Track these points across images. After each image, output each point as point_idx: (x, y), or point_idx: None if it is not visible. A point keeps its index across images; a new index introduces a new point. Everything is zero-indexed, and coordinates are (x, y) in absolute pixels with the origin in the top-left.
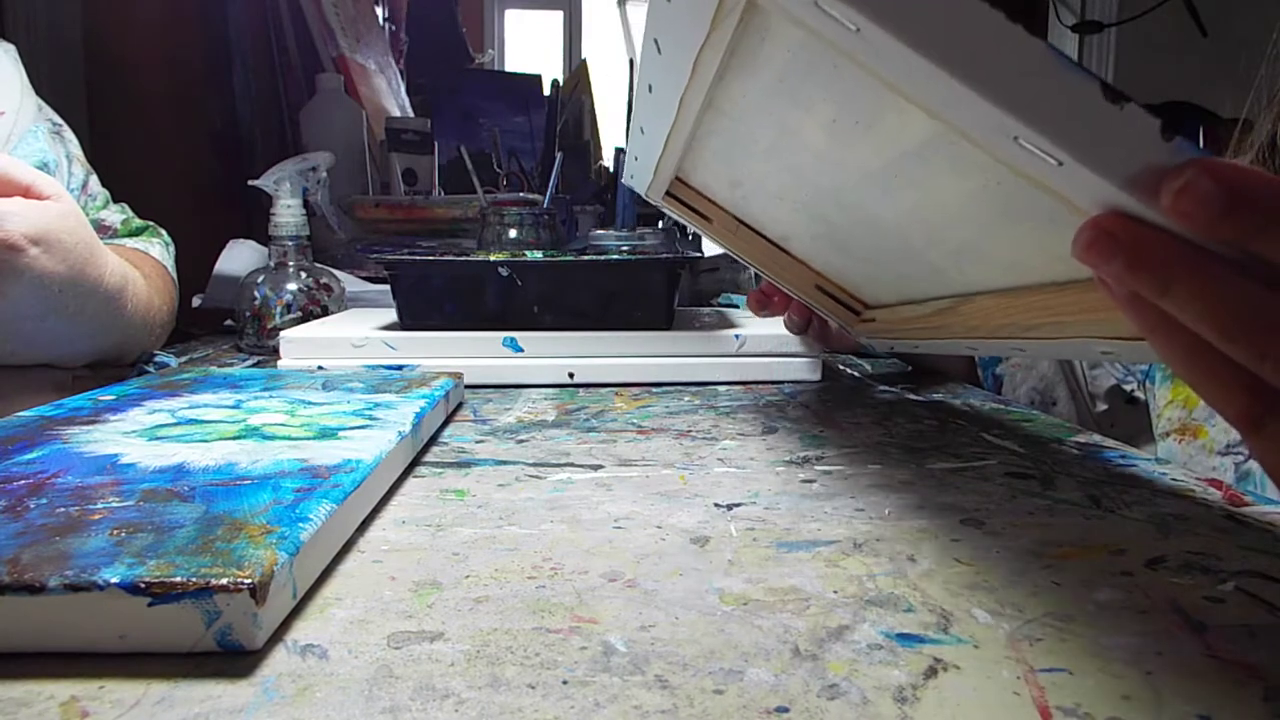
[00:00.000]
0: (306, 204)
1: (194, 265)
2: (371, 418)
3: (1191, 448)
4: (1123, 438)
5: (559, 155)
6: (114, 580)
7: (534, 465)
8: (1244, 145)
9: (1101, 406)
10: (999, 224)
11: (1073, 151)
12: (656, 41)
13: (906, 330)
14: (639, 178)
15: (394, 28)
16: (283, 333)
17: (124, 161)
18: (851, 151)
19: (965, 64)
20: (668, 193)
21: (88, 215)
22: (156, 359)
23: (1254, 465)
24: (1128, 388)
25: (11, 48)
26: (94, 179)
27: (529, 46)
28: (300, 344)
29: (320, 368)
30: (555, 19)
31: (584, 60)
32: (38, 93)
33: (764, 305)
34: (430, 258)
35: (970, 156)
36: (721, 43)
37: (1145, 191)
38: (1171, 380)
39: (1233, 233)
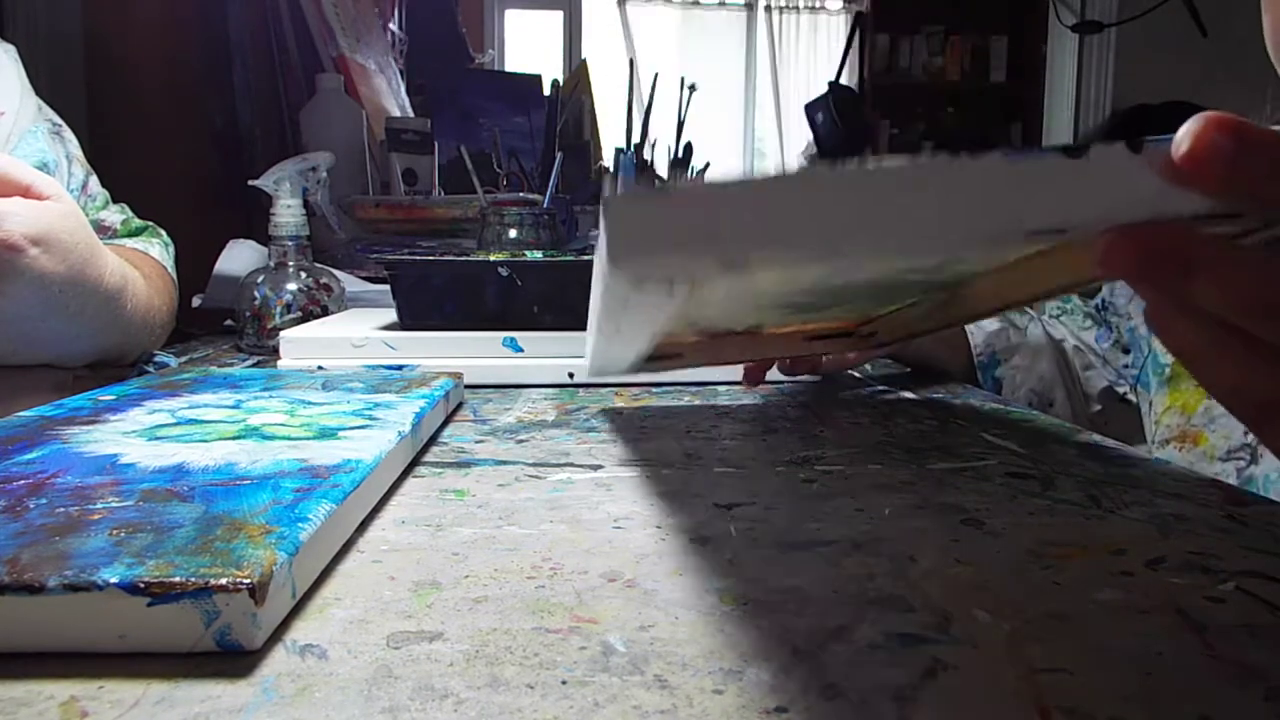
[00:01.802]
0: (306, 204)
1: (194, 265)
2: (371, 418)
3: (1192, 455)
4: (1118, 438)
5: (559, 155)
6: (113, 580)
7: (534, 465)
8: None
9: (1095, 407)
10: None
11: (1068, 220)
12: (619, 327)
13: (913, 332)
14: (611, 370)
15: (395, 29)
16: (283, 333)
17: (124, 161)
18: (808, 275)
19: (944, 221)
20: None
21: (87, 215)
22: (156, 359)
23: (1256, 471)
24: (1120, 390)
25: (11, 48)
26: (94, 179)
27: (529, 46)
28: (300, 344)
29: (320, 368)
30: (555, 19)
31: (584, 60)
32: (37, 93)
33: (757, 380)
34: (430, 258)
35: None
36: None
37: (1142, 206)
38: (1168, 386)
39: (1248, 181)
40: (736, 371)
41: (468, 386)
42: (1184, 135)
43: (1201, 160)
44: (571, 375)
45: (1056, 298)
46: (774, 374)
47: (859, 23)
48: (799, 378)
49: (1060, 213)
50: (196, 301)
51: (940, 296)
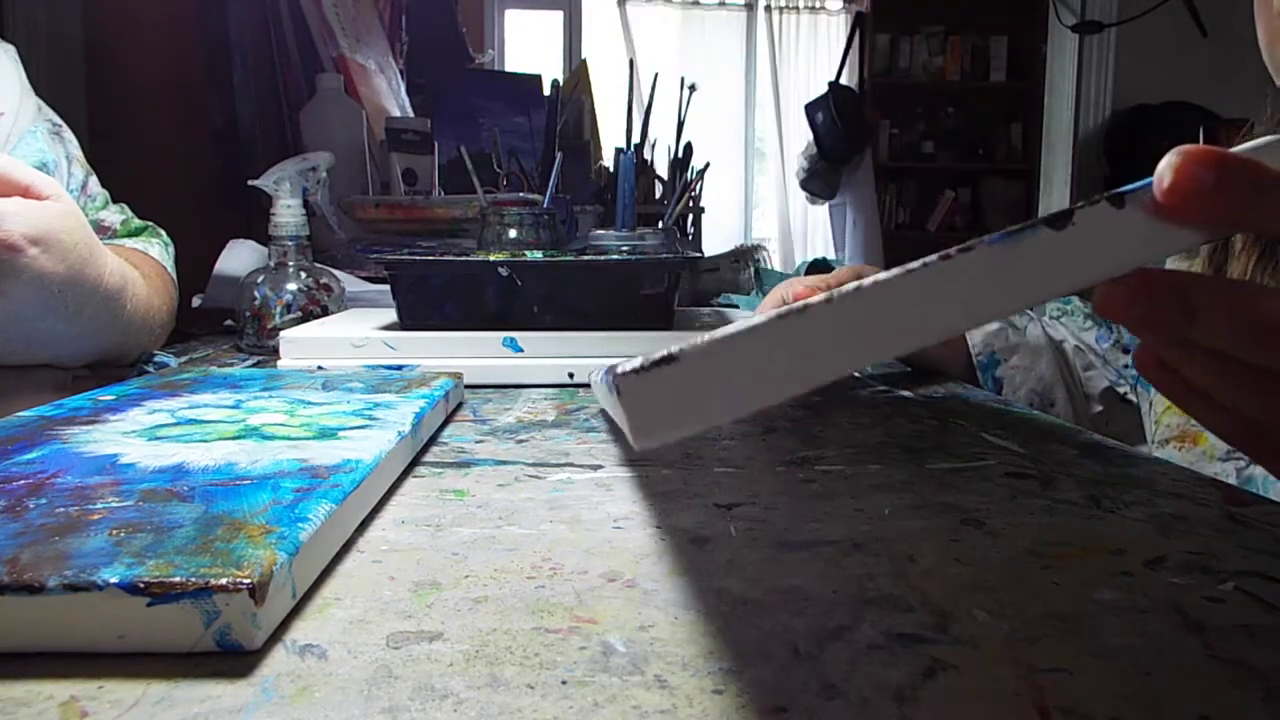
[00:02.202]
0: (306, 204)
1: (194, 265)
2: (371, 418)
3: (1192, 454)
4: (1118, 438)
5: (559, 155)
6: (113, 580)
7: (534, 465)
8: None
9: (1097, 408)
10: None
11: (1070, 285)
12: None
13: None
14: None
15: (393, 28)
16: (283, 333)
17: (124, 161)
18: None
19: (949, 323)
20: None
21: (87, 215)
22: (156, 359)
23: (1256, 471)
24: (1121, 390)
25: (11, 48)
26: (93, 179)
27: (529, 46)
28: (300, 344)
29: (320, 368)
30: (555, 19)
31: (584, 60)
32: (37, 93)
33: None
34: (430, 258)
35: None
36: None
37: (1136, 255)
38: None
39: (1227, 205)
40: None
41: (468, 386)
42: (1164, 170)
43: (1184, 193)
44: (571, 375)
45: None
46: None
47: (859, 23)
48: None
49: (1057, 284)
50: (196, 301)
51: None
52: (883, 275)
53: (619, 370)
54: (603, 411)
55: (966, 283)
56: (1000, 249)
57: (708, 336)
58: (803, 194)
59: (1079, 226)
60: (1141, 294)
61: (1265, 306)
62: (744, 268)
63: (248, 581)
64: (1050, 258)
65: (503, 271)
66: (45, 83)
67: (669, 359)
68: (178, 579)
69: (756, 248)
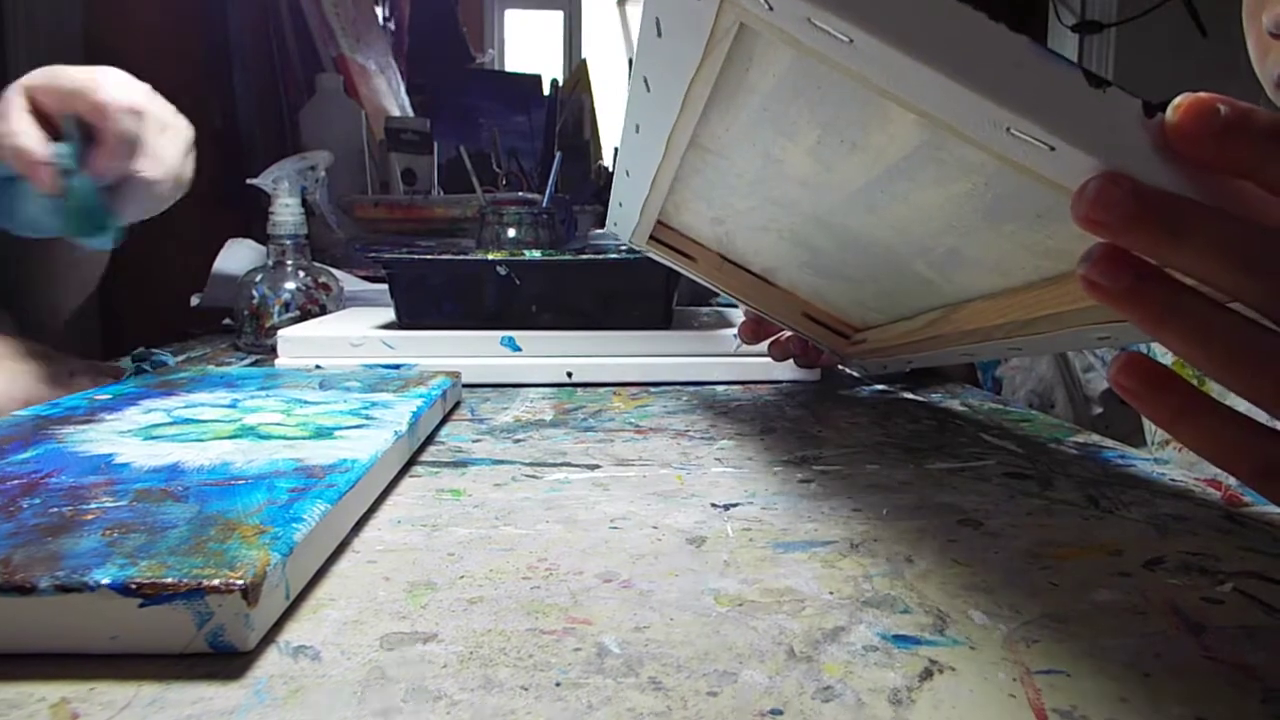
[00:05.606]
0: (305, 203)
1: (193, 264)
2: (368, 417)
3: (1191, 455)
4: (1118, 438)
5: (558, 155)
6: (105, 581)
7: (531, 465)
8: None
9: (1097, 409)
10: (985, 227)
11: (1064, 136)
12: (646, 79)
13: (899, 347)
14: (623, 224)
15: (395, 28)
16: (281, 331)
17: None
18: (837, 173)
19: (957, 62)
20: (651, 237)
21: None
22: (154, 357)
23: None
24: None
25: None
26: None
27: (529, 46)
28: (298, 343)
29: (318, 367)
30: (555, 19)
31: (584, 60)
32: None
33: (758, 335)
34: (429, 257)
35: (956, 161)
36: (711, 73)
37: (1128, 165)
38: None
39: (1235, 159)
40: (734, 371)
41: (466, 386)
42: (1179, 100)
43: (1188, 132)
44: (570, 374)
45: (1048, 343)
46: (772, 374)
47: None
48: (797, 379)
49: (1055, 122)
50: (195, 300)
51: (934, 315)
52: None
53: None
54: (599, 411)
55: (991, 46)
56: (1039, 54)
57: None
58: None
59: (1107, 98)
60: (1136, 192)
61: (1251, 231)
62: None
63: (240, 582)
64: (1066, 99)
65: (501, 271)
66: None
67: None
68: (170, 580)
69: None
